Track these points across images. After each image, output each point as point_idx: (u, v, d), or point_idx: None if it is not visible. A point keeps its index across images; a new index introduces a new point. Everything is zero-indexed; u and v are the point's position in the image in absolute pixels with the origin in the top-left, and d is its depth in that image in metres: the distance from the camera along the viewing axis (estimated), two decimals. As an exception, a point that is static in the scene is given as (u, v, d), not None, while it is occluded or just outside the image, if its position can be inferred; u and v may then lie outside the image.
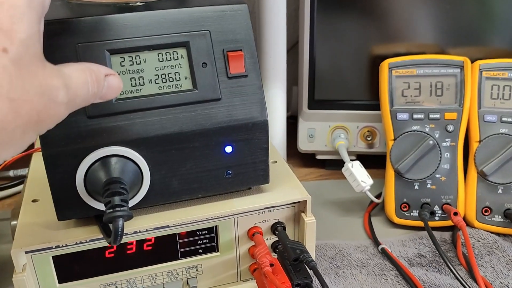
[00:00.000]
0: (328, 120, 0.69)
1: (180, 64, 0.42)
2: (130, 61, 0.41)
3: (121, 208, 0.37)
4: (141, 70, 0.41)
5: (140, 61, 0.41)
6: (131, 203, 0.42)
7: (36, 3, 0.29)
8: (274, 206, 0.46)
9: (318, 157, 0.73)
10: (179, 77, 0.42)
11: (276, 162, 0.52)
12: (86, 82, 0.32)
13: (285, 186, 0.48)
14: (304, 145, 0.71)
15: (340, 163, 0.63)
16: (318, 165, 0.74)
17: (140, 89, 0.41)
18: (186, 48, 0.42)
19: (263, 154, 0.45)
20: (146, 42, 0.41)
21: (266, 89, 0.65)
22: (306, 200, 0.46)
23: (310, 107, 0.68)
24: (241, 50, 0.43)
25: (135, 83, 0.41)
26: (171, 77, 0.42)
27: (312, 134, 0.70)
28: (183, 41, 0.42)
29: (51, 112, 0.29)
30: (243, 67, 0.43)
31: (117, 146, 0.40)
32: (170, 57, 0.42)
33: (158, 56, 0.42)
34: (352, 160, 0.61)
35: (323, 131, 0.70)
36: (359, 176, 0.58)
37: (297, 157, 0.76)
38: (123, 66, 0.41)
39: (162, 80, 0.42)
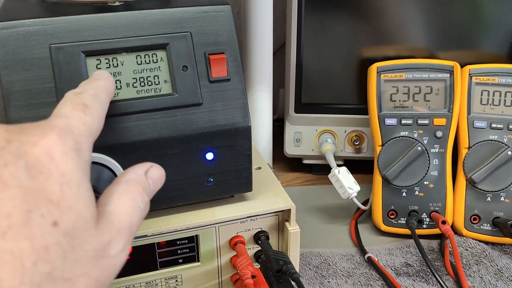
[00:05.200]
0: (315, 124, 0.68)
1: (159, 67, 0.40)
2: (106, 63, 0.39)
3: (95, 219, 0.35)
4: (118, 73, 0.39)
5: (117, 63, 0.39)
6: (107, 212, 0.40)
7: (84, 163, 0.27)
8: (257, 215, 0.45)
9: (305, 161, 0.71)
10: (158, 81, 0.40)
11: (260, 168, 0.51)
12: (135, 204, 0.29)
13: (268, 194, 0.46)
14: (290, 149, 0.69)
15: (327, 168, 0.61)
16: (304, 169, 0.73)
17: (117, 93, 0.39)
18: (165, 51, 0.40)
19: (245, 161, 0.43)
20: (123, 43, 0.39)
21: (252, 92, 0.63)
22: (290, 209, 0.44)
23: (297, 110, 0.67)
24: (223, 53, 0.42)
25: (112, 86, 0.39)
26: (150, 81, 0.40)
27: (299, 138, 0.69)
28: (163, 43, 0.40)
29: (109, 272, 0.26)
30: (226, 71, 0.41)
31: (93, 153, 0.38)
32: (149, 60, 0.40)
33: (137, 58, 0.40)
34: (339, 165, 0.59)
35: (310, 135, 0.68)
36: (345, 182, 0.57)
37: (284, 161, 0.74)
38: (99, 68, 0.39)
39: (140, 83, 0.40)
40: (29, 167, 0.24)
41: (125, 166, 0.39)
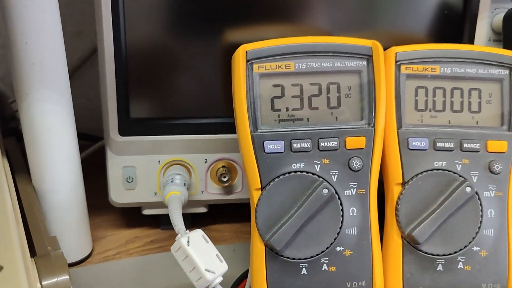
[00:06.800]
0: (156, 152, 0.42)
1: None
2: None
3: None
4: None
5: None
6: None
7: None
8: None
9: (146, 212, 0.45)
10: None
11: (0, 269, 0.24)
12: None
13: None
14: (118, 195, 0.43)
15: (185, 217, 0.36)
16: (149, 223, 0.46)
17: None
18: None
19: None
20: None
21: (28, 102, 0.36)
22: None
23: (124, 131, 0.40)
24: None
25: None
26: None
27: (132, 177, 0.42)
28: None
29: None
30: None
31: None
32: None
33: None
34: (193, 219, 0.34)
35: (151, 170, 0.42)
36: (201, 261, 0.32)
37: (117, 211, 0.47)
38: None
39: None
40: None
41: None
